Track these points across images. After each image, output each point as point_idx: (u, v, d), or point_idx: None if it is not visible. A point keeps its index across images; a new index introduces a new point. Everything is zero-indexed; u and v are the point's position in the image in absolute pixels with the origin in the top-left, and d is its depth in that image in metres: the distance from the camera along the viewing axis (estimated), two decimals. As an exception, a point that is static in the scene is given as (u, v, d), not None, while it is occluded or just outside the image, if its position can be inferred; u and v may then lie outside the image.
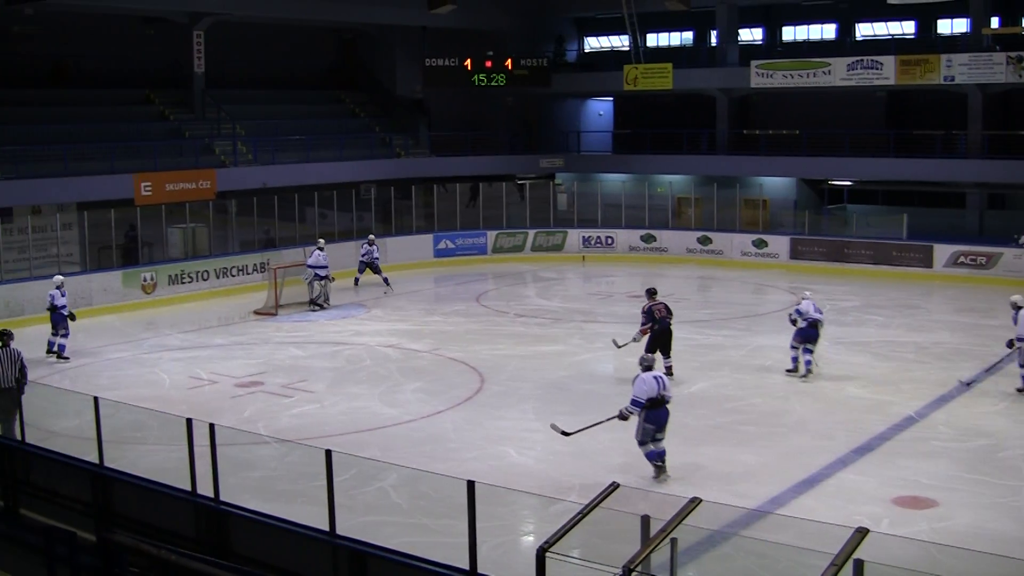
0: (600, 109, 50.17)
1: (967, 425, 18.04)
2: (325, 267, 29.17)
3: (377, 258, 32.50)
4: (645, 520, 9.06)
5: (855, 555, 7.91)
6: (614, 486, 9.45)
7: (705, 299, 31.62)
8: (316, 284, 29.29)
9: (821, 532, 9.34)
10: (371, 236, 33.09)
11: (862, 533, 8.07)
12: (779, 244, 37.72)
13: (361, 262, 32.45)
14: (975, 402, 19.47)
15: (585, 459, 16.33)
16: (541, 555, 8.62)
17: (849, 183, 41.50)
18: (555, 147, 45.68)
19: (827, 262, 36.32)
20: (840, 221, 39.81)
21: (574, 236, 40.12)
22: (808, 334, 21.33)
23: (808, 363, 21.14)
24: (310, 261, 29.40)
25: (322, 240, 30.68)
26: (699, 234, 39.06)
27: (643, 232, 39.55)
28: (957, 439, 17.29)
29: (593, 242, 39.97)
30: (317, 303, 29.17)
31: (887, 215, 39.25)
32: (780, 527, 13.02)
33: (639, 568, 8.32)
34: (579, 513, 9.04)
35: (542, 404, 19.60)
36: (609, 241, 39.86)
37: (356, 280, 32.44)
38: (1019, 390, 19.73)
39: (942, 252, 35.11)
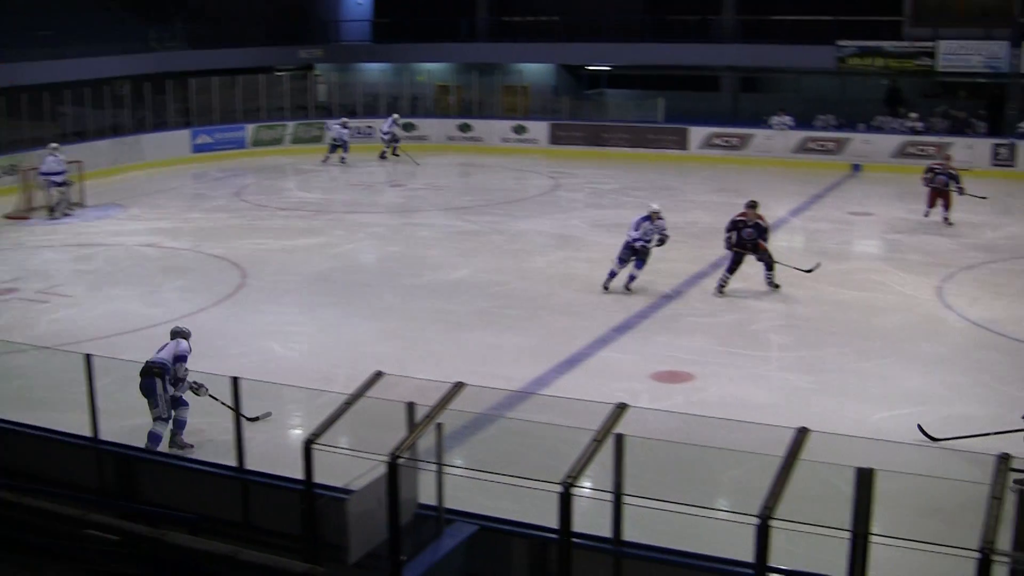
0: (359, -2, 49.40)
1: (720, 301, 18.67)
2: (60, 172, 27.17)
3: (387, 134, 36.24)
4: (410, 407, 9.07)
5: (615, 429, 8.07)
6: (378, 374, 9.43)
7: (466, 186, 31.76)
8: (55, 191, 27.18)
9: (583, 410, 9.53)
10: (395, 115, 36.66)
11: (622, 408, 8.24)
12: (538, 130, 38.09)
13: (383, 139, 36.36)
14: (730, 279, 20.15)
15: (349, 349, 16.28)
16: (307, 447, 8.55)
17: (607, 68, 42.02)
18: (314, 38, 44.71)
19: (586, 146, 36.88)
20: (598, 106, 40.35)
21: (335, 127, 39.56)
22: None
23: None
24: (43, 168, 27.22)
25: (54, 144, 28.25)
26: (460, 122, 39.09)
27: (404, 121, 39.29)
28: (711, 315, 17.88)
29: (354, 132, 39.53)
30: (56, 212, 27.05)
31: (644, 99, 39.98)
32: (544, 407, 13.26)
33: (406, 455, 8.35)
34: (344, 403, 9.00)
35: (307, 297, 19.41)
36: (369, 131, 39.48)
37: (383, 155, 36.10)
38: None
39: (697, 134, 36.11)
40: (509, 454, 11.26)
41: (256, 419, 12.52)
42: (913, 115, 35.61)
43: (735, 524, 7.47)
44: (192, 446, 12.30)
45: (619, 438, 8.12)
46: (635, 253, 19.15)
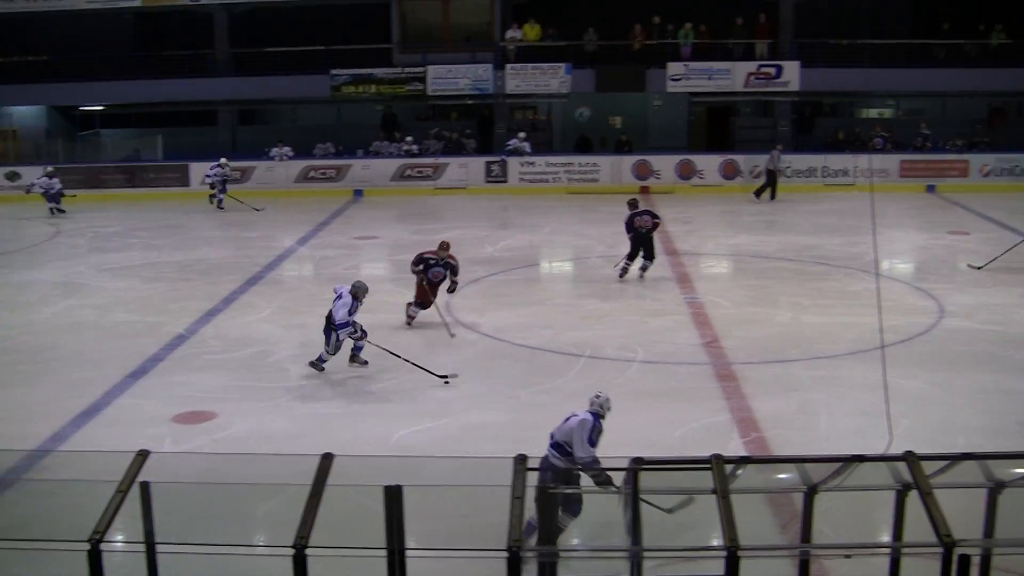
0: None
1: (236, 336, 18.73)
2: None
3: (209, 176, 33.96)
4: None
5: (140, 478, 8.05)
6: None
7: (-41, 239, 30.11)
8: None
9: (106, 462, 9.39)
10: (223, 159, 33.61)
11: (143, 455, 8.22)
12: (32, 175, 36.61)
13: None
14: (242, 314, 20.28)
15: None
16: None
17: (101, 107, 40.98)
18: None
19: (85, 189, 35.65)
20: (95, 147, 39.32)
21: None
22: None
23: None
24: None
25: None
26: (-55, 172, 36.96)
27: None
28: (228, 350, 17.89)
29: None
30: None
31: (142, 137, 39.36)
32: (65, 464, 12.87)
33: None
34: None
35: None
36: None
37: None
38: None
39: (198, 170, 35.84)
40: (34, 518, 10.87)
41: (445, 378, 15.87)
42: (409, 139, 37.05)
43: (275, 558, 7.62)
44: (367, 363, 16.62)
45: (144, 486, 8.11)
46: None
